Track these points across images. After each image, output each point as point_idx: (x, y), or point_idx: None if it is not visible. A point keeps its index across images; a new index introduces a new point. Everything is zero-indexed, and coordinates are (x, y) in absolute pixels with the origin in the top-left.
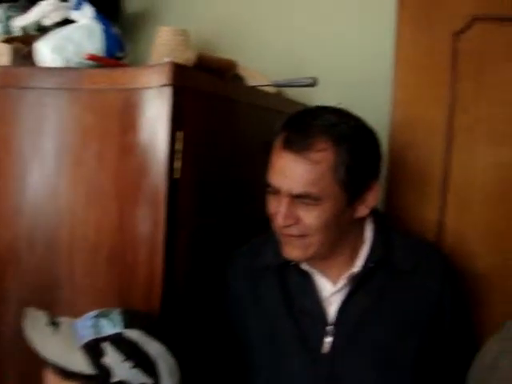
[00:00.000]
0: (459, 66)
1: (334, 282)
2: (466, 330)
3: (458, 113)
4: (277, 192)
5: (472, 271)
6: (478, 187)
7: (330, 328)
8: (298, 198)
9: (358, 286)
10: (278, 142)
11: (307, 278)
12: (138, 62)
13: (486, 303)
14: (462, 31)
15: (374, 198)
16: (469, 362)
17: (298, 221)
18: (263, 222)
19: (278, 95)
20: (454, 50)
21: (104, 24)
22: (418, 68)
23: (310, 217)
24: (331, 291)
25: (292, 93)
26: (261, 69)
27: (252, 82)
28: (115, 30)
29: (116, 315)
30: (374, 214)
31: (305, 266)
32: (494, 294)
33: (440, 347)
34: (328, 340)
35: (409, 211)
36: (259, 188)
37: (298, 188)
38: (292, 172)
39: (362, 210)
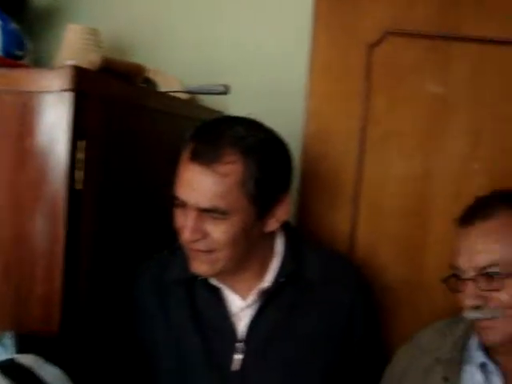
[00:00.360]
0: (372, 78)
1: (244, 298)
2: (376, 343)
3: (371, 125)
4: (184, 205)
5: (382, 283)
6: (389, 200)
7: (239, 345)
8: (205, 212)
9: (268, 301)
10: (186, 154)
11: (216, 294)
12: (44, 62)
13: (395, 315)
14: (375, 44)
15: (284, 212)
16: (379, 374)
17: (205, 235)
18: (174, 235)
19: (192, 102)
20: (367, 63)
21: (1, 19)
22: (332, 79)
23: (218, 231)
24: (241, 307)
25: (207, 100)
26: (177, 74)
27: (164, 87)
28: (14, 26)
29: (7, 339)
30: (285, 227)
31: (213, 281)
32: (403, 306)
33: (351, 360)
34: (237, 357)
35: (321, 223)
36: (171, 199)
37: (204, 202)
38: (199, 185)
39: (272, 224)
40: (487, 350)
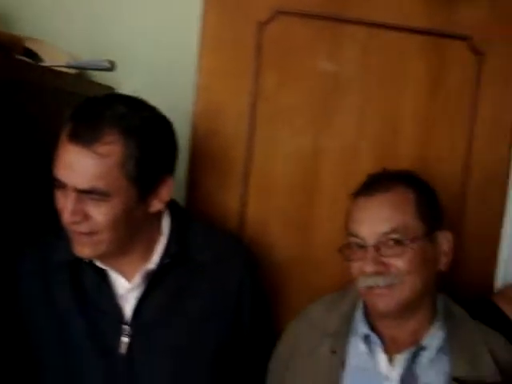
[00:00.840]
0: (263, 56)
1: (129, 279)
2: (266, 320)
3: (261, 102)
4: (64, 186)
5: (272, 260)
6: (279, 177)
7: (125, 327)
8: (85, 194)
9: (154, 283)
10: (64, 134)
11: (102, 275)
12: None
13: (286, 292)
14: (266, 22)
15: (167, 192)
16: (269, 351)
17: (86, 217)
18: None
19: (81, 77)
20: (258, 41)
21: None
22: (222, 56)
23: (99, 213)
24: (126, 288)
25: (100, 76)
26: (67, 47)
27: (50, 61)
28: None
29: None
30: (172, 207)
31: (99, 263)
32: (293, 282)
33: (242, 339)
34: (125, 340)
35: (211, 202)
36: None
37: (83, 183)
38: (78, 166)
39: (156, 205)
40: (371, 322)
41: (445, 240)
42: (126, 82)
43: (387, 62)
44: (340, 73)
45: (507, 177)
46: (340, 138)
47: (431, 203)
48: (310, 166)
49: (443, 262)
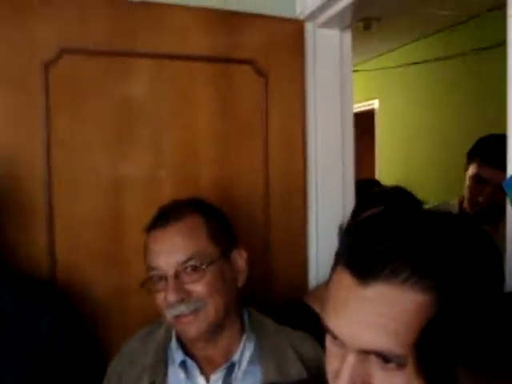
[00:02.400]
0: (52, 97)
1: None
2: (87, 358)
3: (55, 144)
4: None
5: (90, 297)
6: (84, 214)
7: None
8: None
9: None
10: None
11: None
12: None
13: (109, 327)
14: (52, 62)
15: None
16: None
17: None
18: None
19: None
20: (45, 82)
21: None
22: (11, 97)
23: None
24: None
25: None
26: None
27: None
28: None
29: None
30: None
31: None
32: (114, 316)
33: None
34: None
35: (17, 247)
36: None
37: None
38: None
39: None
40: (185, 348)
41: (239, 257)
42: None
43: (179, 90)
44: (133, 105)
45: (305, 187)
46: (139, 168)
47: (222, 225)
48: (112, 199)
49: (240, 279)
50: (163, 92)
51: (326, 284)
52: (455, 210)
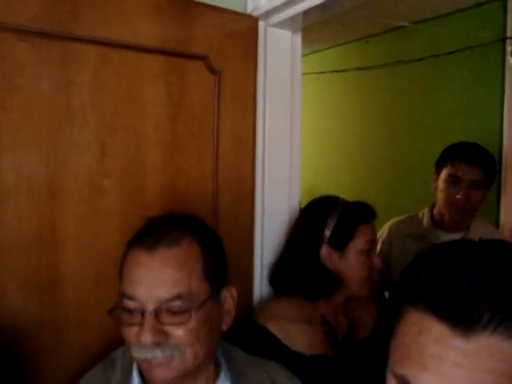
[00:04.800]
0: None
1: None
2: None
3: None
4: None
5: (18, 330)
6: (10, 234)
7: None
8: None
9: None
10: None
11: None
12: None
13: (37, 365)
14: None
15: None
16: None
17: None
18: None
19: None
20: None
21: None
22: None
23: None
24: None
25: None
26: None
27: None
28: None
29: None
30: None
31: None
32: (47, 351)
33: None
34: None
35: None
36: None
37: None
38: None
39: None
40: None
41: (229, 297)
42: None
43: (125, 85)
44: (71, 101)
45: (253, 192)
46: (78, 176)
47: (218, 257)
48: (46, 213)
49: (227, 322)
50: (107, 86)
51: (274, 301)
52: (426, 220)
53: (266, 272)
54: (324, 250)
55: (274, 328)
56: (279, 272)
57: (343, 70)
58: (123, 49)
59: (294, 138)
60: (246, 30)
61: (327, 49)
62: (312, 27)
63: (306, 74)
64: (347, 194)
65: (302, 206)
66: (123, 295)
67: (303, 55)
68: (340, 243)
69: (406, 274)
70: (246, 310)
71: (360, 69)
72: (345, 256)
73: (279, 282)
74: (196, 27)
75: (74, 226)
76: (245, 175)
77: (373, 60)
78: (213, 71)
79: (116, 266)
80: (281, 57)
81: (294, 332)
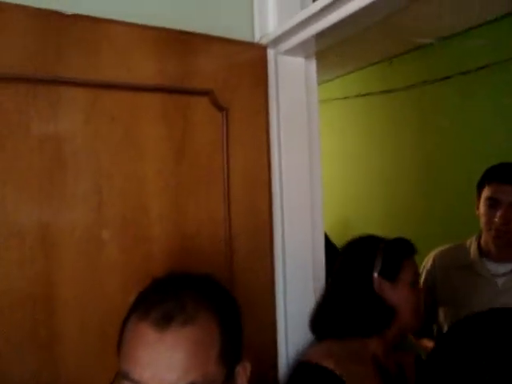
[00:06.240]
0: None
1: None
2: None
3: None
4: None
5: None
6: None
7: None
8: None
9: None
10: None
11: None
12: None
13: None
14: None
15: None
16: None
17: None
18: None
19: None
20: None
21: None
22: None
23: None
24: None
25: None
26: None
27: None
28: None
29: None
30: None
31: None
32: None
33: None
34: None
35: None
36: None
37: None
38: None
39: None
40: None
41: (243, 373)
42: None
43: (119, 129)
44: (62, 148)
45: (271, 238)
46: (74, 226)
47: (236, 332)
48: (40, 268)
49: None
50: (101, 131)
51: (322, 344)
52: (473, 248)
53: (291, 322)
54: (376, 281)
55: (337, 368)
56: (327, 314)
57: (367, 94)
58: (117, 89)
59: (314, 171)
60: (253, 60)
61: (350, 73)
62: (331, 51)
63: (329, 99)
64: (378, 225)
65: (332, 239)
66: (124, 376)
67: (325, 81)
68: (391, 274)
69: None
70: (272, 365)
71: (384, 92)
72: (396, 286)
73: (326, 325)
74: (198, 60)
75: (70, 283)
76: (261, 217)
77: (398, 81)
78: (219, 107)
79: (118, 322)
80: (294, 86)
81: (354, 373)
